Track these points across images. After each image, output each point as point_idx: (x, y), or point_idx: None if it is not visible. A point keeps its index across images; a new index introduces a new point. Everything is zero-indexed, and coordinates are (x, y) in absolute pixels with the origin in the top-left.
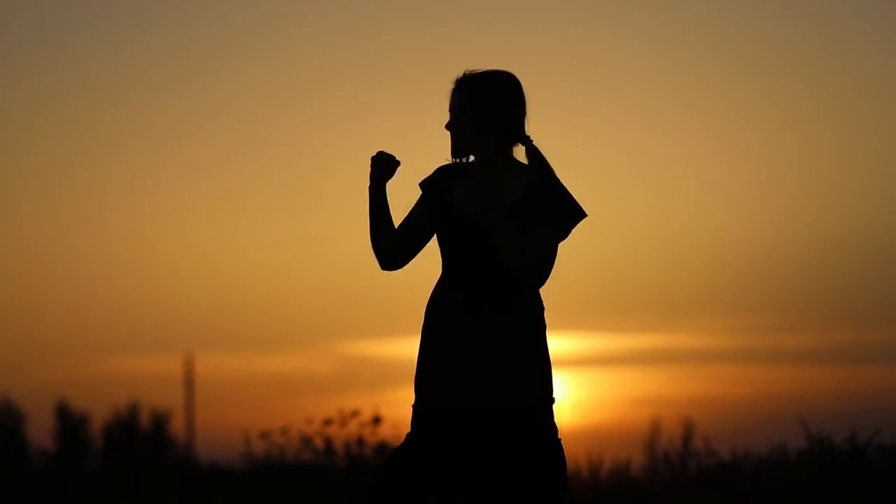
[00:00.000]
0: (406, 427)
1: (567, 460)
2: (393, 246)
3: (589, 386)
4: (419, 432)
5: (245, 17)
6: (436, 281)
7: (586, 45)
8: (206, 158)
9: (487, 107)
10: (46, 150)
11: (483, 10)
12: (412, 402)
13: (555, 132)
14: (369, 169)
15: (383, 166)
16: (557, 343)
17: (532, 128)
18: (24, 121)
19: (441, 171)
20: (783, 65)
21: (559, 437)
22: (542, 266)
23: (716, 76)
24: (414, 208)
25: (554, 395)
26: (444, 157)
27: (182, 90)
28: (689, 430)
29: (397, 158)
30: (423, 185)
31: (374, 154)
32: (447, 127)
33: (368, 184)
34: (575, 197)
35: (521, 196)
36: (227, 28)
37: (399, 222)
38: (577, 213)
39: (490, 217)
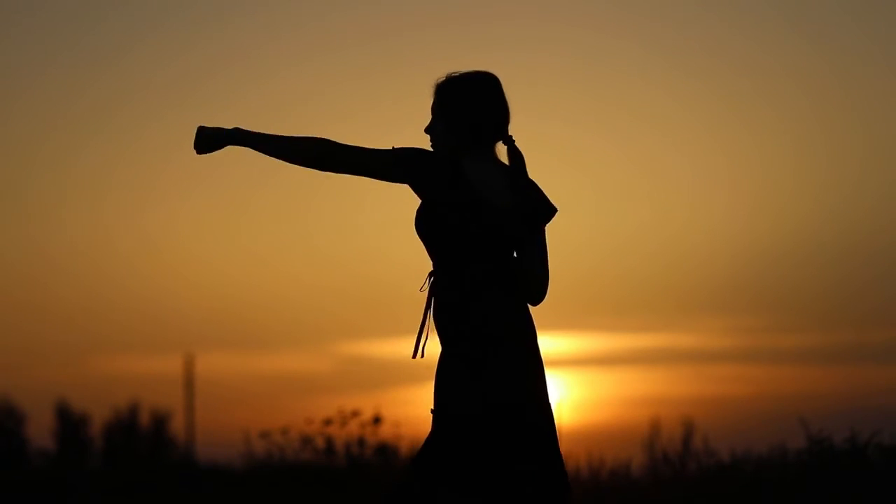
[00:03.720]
0: (404, 427)
1: (567, 460)
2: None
3: (589, 386)
4: (454, 441)
5: (244, 22)
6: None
7: (587, 46)
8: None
9: (455, 109)
10: (48, 151)
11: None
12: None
13: (555, 132)
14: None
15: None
16: (558, 343)
17: (534, 128)
18: (27, 119)
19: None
20: (784, 66)
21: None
22: (547, 275)
23: (715, 77)
24: (381, 150)
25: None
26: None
27: (180, 92)
28: (688, 430)
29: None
30: (422, 153)
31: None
32: (426, 130)
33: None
34: (573, 197)
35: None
36: (225, 33)
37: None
38: (552, 210)
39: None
